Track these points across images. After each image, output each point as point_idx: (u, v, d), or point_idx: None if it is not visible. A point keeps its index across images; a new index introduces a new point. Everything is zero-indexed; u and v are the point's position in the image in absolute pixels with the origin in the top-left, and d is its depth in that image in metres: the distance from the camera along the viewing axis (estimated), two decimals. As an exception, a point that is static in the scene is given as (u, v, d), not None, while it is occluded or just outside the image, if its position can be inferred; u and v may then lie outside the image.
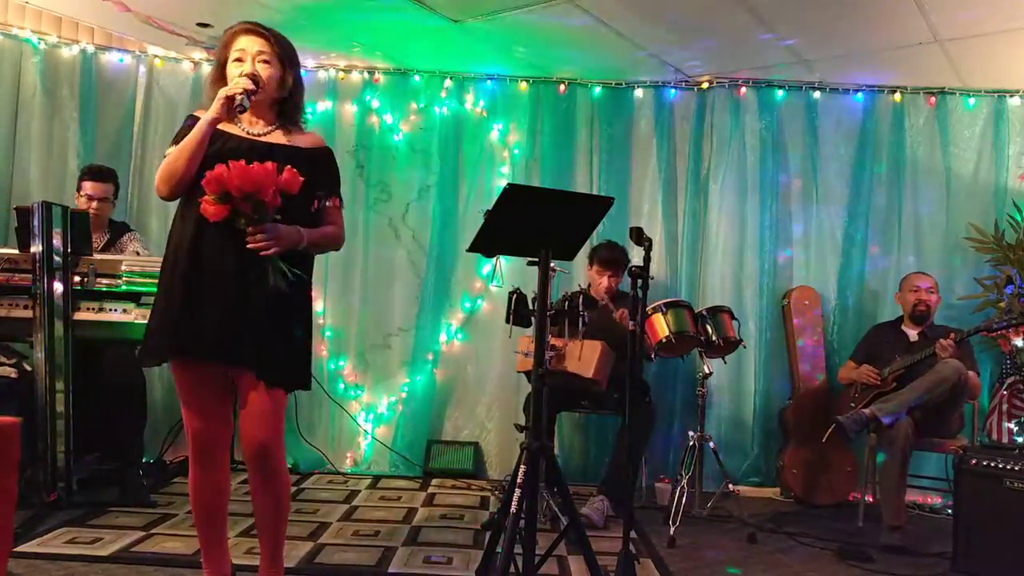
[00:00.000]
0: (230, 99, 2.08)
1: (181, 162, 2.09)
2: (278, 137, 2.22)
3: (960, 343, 3.62)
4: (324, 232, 2.25)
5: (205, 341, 2.09)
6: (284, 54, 2.22)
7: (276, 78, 2.20)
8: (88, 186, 3.73)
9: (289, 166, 2.05)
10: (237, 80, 2.12)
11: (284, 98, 2.25)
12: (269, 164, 2.01)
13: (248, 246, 2.04)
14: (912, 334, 3.95)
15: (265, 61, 2.17)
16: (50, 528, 3.03)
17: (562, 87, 4.62)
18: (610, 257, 3.96)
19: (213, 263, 2.09)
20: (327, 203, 2.27)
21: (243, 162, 1.99)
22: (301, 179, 2.06)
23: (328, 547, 3.04)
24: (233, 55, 2.18)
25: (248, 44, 2.18)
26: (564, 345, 3.44)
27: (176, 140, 2.16)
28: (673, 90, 4.62)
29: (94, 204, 3.71)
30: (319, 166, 2.25)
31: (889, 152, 4.50)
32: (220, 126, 2.14)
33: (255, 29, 2.20)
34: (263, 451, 2.15)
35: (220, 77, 2.21)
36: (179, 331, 2.09)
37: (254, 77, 2.13)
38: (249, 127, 2.21)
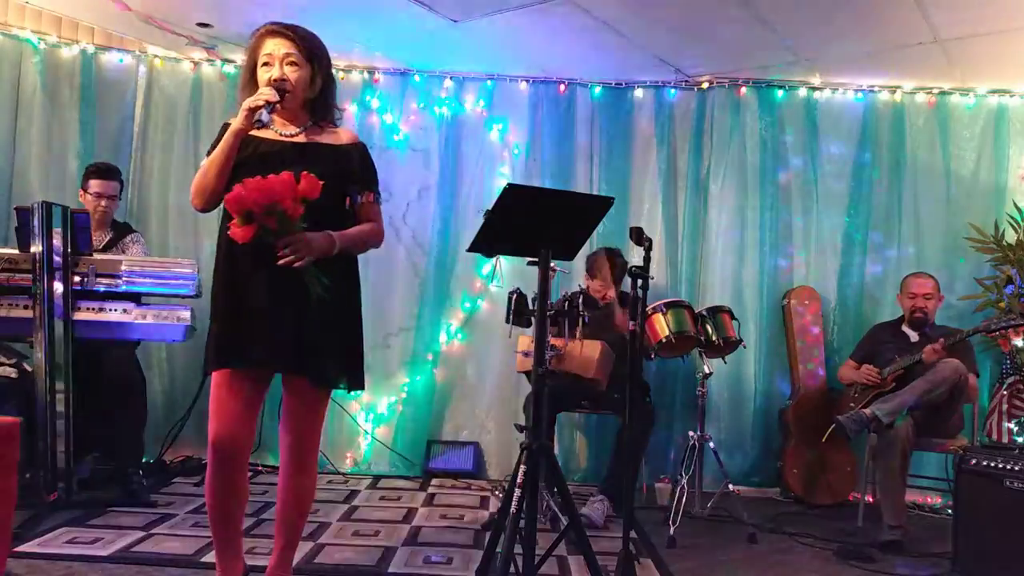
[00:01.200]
0: (252, 111, 2.05)
1: (211, 176, 2.07)
2: (311, 137, 2.20)
3: (952, 346, 3.60)
4: (361, 231, 2.22)
5: (268, 351, 2.10)
6: (312, 52, 2.17)
7: (306, 79, 2.16)
8: (96, 184, 3.71)
9: (306, 171, 1.99)
10: (261, 91, 2.08)
11: (315, 97, 2.21)
12: (285, 173, 1.96)
13: (279, 262, 1.98)
14: (912, 335, 3.94)
15: (293, 63, 2.13)
16: (50, 528, 3.03)
17: (562, 87, 4.62)
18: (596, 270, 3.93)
19: (249, 278, 2.09)
20: (360, 199, 2.24)
21: (258, 177, 1.95)
22: (320, 183, 1.99)
23: (328, 547, 3.04)
24: (261, 59, 2.15)
25: (275, 47, 2.13)
26: (564, 345, 3.44)
27: (212, 150, 2.14)
28: (673, 90, 4.62)
29: (102, 202, 3.70)
30: (353, 162, 2.22)
31: (889, 152, 4.49)
32: (253, 131, 2.10)
33: (280, 31, 2.15)
34: (304, 444, 2.23)
35: (251, 81, 2.17)
36: (249, 340, 2.09)
37: (280, 85, 2.09)
38: (282, 129, 2.18)
